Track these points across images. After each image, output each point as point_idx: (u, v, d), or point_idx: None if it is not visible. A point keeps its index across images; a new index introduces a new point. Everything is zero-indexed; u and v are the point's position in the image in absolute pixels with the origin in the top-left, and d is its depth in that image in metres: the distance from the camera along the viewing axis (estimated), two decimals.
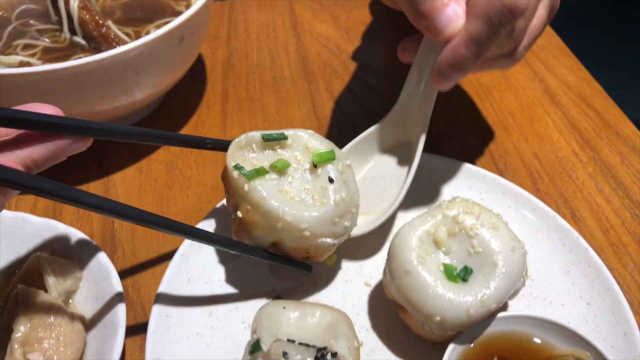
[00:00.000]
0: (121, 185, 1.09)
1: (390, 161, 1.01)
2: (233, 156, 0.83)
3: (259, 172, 0.80)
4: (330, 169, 0.83)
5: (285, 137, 0.85)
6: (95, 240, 1.00)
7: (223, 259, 0.93)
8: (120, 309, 0.80)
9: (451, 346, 0.77)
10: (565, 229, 0.92)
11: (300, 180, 0.83)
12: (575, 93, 1.27)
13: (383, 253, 0.95)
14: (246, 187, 0.79)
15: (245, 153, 0.84)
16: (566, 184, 1.08)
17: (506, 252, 0.78)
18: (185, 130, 1.20)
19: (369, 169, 1.01)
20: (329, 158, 0.83)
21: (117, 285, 0.83)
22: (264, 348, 0.67)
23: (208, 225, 0.94)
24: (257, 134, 0.84)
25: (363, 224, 0.91)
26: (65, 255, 0.89)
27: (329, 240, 0.81)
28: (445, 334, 0.78)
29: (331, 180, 0.82)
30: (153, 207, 1.05)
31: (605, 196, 1.06)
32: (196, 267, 0.90)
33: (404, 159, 1.00)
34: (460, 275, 0.78)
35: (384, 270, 0.83)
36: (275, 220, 0.78)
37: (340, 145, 1.13)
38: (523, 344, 0.80)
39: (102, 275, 0.85)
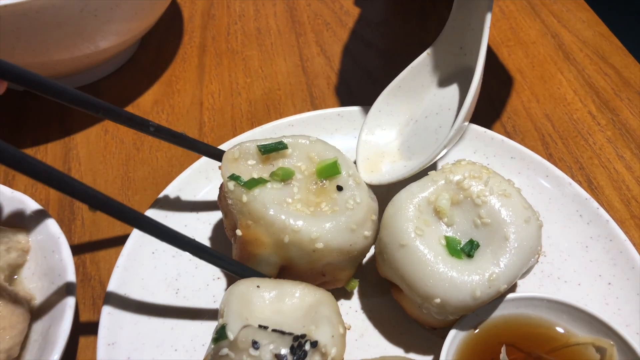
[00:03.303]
0: (84, 146, 0.97)
1: (447, 93, 0.86)
2: (227, 167, 0.71)
3: (258, 181, 0.69)
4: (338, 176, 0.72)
5: (285, 147, 0.73)
6: (52, 208, 0.89)
7: (193, 230, 0.81)
8: (70, 287, 0.69)
9: (452, 332, 0.67)
10: (584, 198, 0.81)
11: (306, 191, 0.72)
12: (592, 49, 1.14)
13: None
14: (245, 197, 0.67)
15: (241, 164, 0.72)
16: (582, 149, 0.96)
17: (519, 224, 0.66)
18: (158, 86, 1.07)
19: (422, 107, 0.86)
20: (334, 172, 0.72)
21: (67, 259, 0.72)
22: (230, 336, 0.56)
23: (177, 191, 0.83)
24: (251, 146, 0.73)
25: (410, 166, 0.78)
26: (12, 224, 0.77)
27: (347, 255, 0.69)
28: (446, 319, 0.67)
29: (340, 188, 0.71)
30: (118, 170, 0.93)
31: (626, 163, 0.94)
32: None
33: (464, 88, 0.83)
34: (465, 250, 0.67)
35: (376, 244, 0.72)
36: (281, 233, 0.66)
37: (345, 102, 1.01)
38: (535, 329, 0.69)
39: (51, 247, 0.74)
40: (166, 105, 1.03)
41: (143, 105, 1.03)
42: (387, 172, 0.80)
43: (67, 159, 0.95)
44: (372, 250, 0.79)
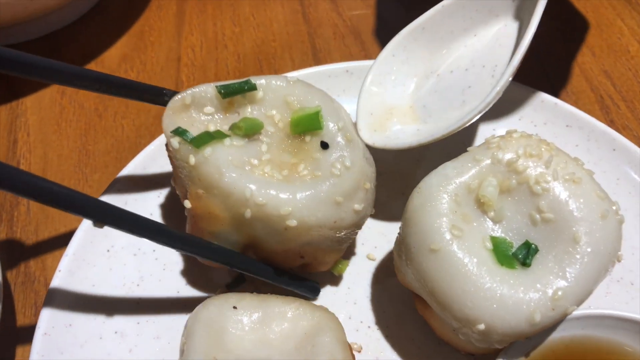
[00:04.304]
0: (35, 111, 0.80)
1: (482, 46, 0.69)
2: (172, 118, 0.55)
3: (213, 136, 0.53)
4: (323, 130, 0.56)
5: (253, 87, 0.56)
6: None
7: (162, 213, 0.65)
8: None
9: None
10: None
11: (279, 149, 0.56)
12: None
13: (395, 211, 0.66)
14: (192, 159, 0.52)
15: (193, 114, 0.56)
16: None
17: (593, 220, 0.50)
18: (127, 38, 0.89)
19: (447, 59, 0.69)
20: (314, 126, 0.55)
21: None
22: None
23: (141, 169, 0.65)
24: (209, 87, 0.56)
25: (426, 131, 0.63)
26: None
27: (331, 233, 0.53)
28: (491, 346, 0.50)
29: (325, 146, 0.55)
30: (75, 142, 0.76)
31: None
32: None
33: (506, 42, 0.67)
34: (519, 256, 0.50)
35: (397, 243, 0.55)
36: (241, 206, 0.51)
37: (355, 55, 0.84)
38: (606, 357, 0.52)
39: None
40: (137, 61, 0.85)
41: (108, 62, 0.85)
42: (394, 133, 0.64)
43: (13, 128, 0.78)
44: (388, 244, 0.63)
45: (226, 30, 0.89)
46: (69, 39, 0.88)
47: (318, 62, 0.84)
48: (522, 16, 0.65)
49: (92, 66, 0.85)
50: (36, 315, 0.62)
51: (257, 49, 0.86)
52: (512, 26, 0.67)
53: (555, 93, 0.80)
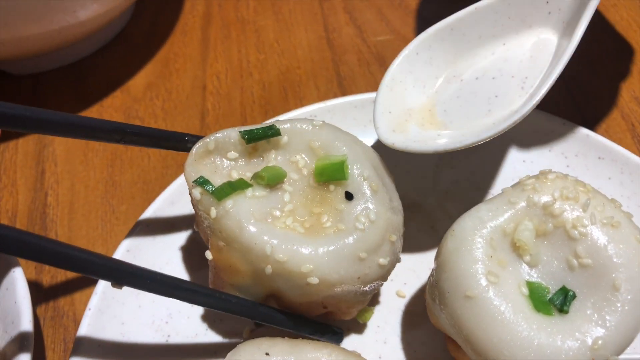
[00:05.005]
0: (62, 141, 0.80)
1: (511, 56, 0.66)
2: (196, 166, 0.54)
3: (235, 187, 0.52)
4: (348, 179, 0.54)
5: (277, 133, 0.55)
6: (20, 221, 0.72)
7: (187, 254, 0.64)
8: (24, 343, 0.53)
9: None
10: None
11: (303, 197, 0.54)
12: None
13: (425, 246, 0.65)
14: (214, 212, 0.51)
15: (217, 160, 0.55)
16: None
17: (633, 266, 0.48)
18: (152, 65, 0.89)
19: (474, 64, 0.67)
20: (338, 176, 0.54)
21: (22, 301, 0.55)
22: None
23: (168, 204, 0.65)
24: (233, 132, 0.55)
25: (450, 137, 0.61)
26: None
27: (354, 287, 0.52)
28: None
29: (349, 197, 0.54)
30: (102, 173, 0.76)
31: None
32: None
33: (539, 55, 0.65)
34: (556, 302, 0.48)
35: (429, 287, 0.54)
36: (261, 261, 0.50)
37: (371, 86, 0.82)
38: None
39: (3, 282, 0.57)
40: (162, 89, 0.85)
41: (134, 90, 0.85)
42: (413, 136, 0.62)
43: (40, 158, 0.78)
44: (418, 280, 0.62)
45: (251, 57, 0.89)
46: (94, 67, 0.88)
47: (343, 90, 0.83)
48: (559, 31, 0.63)
49: (118, 94, 0.85)
50: (65, 351, 0.62)
51: (282, 76, 0.86)
52: (547, 40, 0.65)
53: (585, 120, 0.79)
